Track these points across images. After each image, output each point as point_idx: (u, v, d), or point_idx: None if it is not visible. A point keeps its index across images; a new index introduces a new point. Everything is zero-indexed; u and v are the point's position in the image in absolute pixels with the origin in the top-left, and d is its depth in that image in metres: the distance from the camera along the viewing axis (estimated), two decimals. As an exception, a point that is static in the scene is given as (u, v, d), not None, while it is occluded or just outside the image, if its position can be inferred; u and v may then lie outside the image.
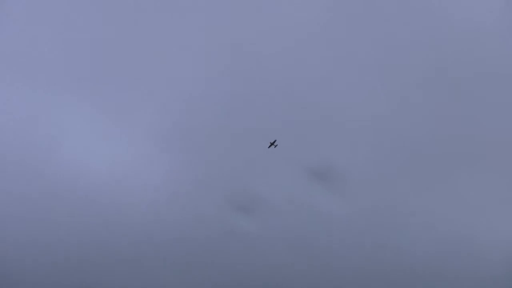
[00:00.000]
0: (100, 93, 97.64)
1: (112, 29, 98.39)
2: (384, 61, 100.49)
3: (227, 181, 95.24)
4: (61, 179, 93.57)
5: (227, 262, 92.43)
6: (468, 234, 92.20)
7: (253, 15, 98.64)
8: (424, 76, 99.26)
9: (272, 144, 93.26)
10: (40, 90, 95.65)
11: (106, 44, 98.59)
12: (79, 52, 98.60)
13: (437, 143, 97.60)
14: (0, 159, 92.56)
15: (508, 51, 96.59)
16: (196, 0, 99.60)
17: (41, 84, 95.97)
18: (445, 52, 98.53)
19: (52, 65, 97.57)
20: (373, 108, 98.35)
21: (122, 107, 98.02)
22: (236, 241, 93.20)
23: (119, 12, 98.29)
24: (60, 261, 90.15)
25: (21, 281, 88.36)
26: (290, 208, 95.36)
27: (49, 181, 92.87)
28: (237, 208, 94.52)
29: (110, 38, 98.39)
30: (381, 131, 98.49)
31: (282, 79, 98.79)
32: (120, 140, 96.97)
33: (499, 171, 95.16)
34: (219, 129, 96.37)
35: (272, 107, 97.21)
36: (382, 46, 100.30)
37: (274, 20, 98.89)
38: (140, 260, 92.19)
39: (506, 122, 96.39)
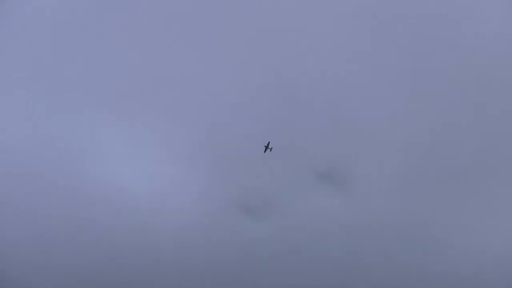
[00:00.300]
0: (133, 110, 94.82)
1: (150, 47, 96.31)
2: (409, 69, 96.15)
3: (258, 197, 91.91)
4: (92, 198, 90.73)
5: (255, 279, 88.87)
6: (491, 250, 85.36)
7: (290, 29, 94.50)
8: (452, 86, 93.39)
9: (266, 147, 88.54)
10: (74, 105, 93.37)
11: (141, 61, 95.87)
12: (115, 70, 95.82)
13: (461, 154, 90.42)
14: (30, 176, 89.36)
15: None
16: (231, 21, 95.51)
17: (75, 99, 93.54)
18: (473, 63, 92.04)
19: (87, 81, 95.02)
20: (399, 117, 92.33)
21: (155, 125, 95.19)
22: (266, 260, 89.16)
23: (160, 31, 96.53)
24: (89, 281, 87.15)
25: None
26: (316, 223, 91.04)
27: (80, 200, 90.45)
28: (264, 225, 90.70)
29: (144, 55, 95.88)
30: (405, 140, 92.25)
31: (316, 94, 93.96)
32: (154, 158, 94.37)
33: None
34: (251, 146, 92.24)
35: (304, 121, 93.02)
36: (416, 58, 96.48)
37: (313, 29, 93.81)
38: (172, 281, 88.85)
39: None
